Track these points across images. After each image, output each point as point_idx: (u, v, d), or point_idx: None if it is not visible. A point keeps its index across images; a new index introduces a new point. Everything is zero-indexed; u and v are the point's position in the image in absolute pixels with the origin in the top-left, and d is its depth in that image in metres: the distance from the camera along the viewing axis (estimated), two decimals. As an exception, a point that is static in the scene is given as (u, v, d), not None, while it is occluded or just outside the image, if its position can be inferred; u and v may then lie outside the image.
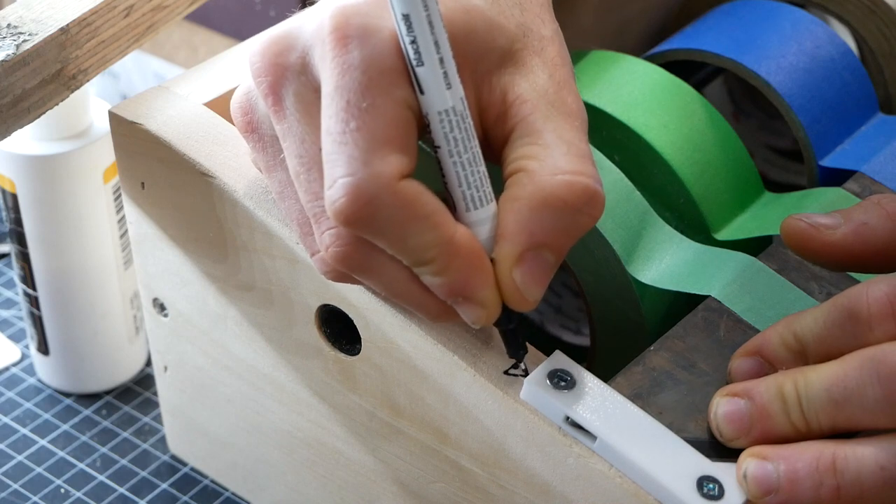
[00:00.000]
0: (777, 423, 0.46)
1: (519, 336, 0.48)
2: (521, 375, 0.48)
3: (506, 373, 0.49)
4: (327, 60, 0.45)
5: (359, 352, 0.53)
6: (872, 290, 0.46)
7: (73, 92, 0.56)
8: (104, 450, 0.67)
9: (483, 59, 0.46)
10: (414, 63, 0.44)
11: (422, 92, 0.44)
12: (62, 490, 0.65)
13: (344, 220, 0.44)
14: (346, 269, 0.47)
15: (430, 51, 0.44)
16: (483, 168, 0.46)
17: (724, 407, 0.47)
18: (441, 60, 0.44)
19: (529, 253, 0.45)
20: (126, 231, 0.66)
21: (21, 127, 0.55)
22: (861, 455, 0.44)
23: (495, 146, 0.47)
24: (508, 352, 0.48)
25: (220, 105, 0.56)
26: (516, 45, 0.47)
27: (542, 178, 0.45)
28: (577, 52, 0.60)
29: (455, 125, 0.45)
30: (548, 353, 0.49)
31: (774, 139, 0.71)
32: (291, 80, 0.46)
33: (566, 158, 0.45)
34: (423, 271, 0.45)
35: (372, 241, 0.45)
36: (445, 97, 0.44)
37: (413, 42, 0.44)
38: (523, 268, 0.45)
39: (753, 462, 0.46)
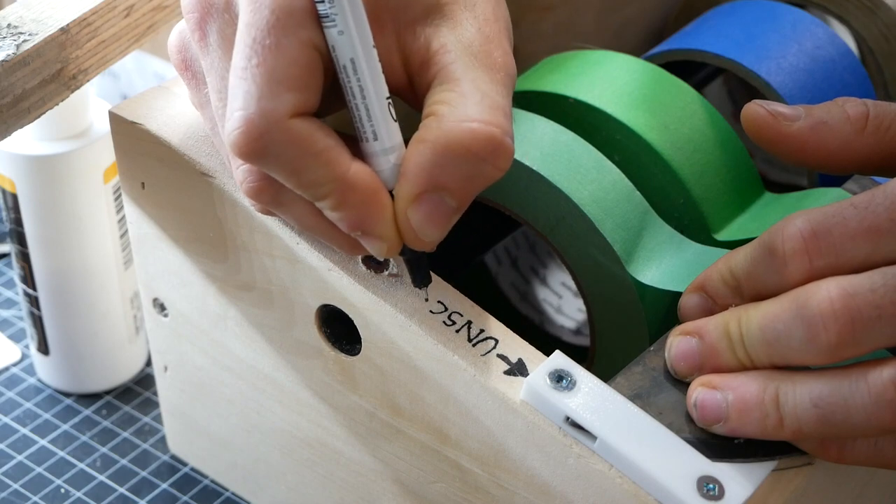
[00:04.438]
0: (725, 360, 0.47)
1: (422, 266, 0.49)
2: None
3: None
4: None
5: (359, 352, 0.53)
6: (788, 226, 0.46)
7: (73, 92, 0.56)
8: (104, 450, 0.67)
9: (407, 8, 0.47)
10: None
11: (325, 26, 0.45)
12: (62, 490, 0.65)
13: (238, 152, 0.45)
14: (260, 203, 0.48)
15: None
16: (382, 101, 0.46)
17: (676, 345, 0.48)
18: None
19: (427, 195, 0.46)
20: (126, 231, 0.66)
21: (21, 127, 0.55)
22: (799, 392, 0.45)
23: (420, 94, 0.48)
24: (412, 281, 0.49)
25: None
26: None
27: (448, 124, 0.45)
28: (578, 52, 0.60)
29: (359, 67, 0.45)
30: (548, 353, 0.49)
31: (774, 139, 0.71)
32: (216, 16, 0.47)
33: (478, 107, 0.46)
34: (322, 206, 0.46)
35: (273, 176, 0.46)
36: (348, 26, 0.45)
37: None
38: (419, 208, 0.46)
39: (703, 391, 0.47)
